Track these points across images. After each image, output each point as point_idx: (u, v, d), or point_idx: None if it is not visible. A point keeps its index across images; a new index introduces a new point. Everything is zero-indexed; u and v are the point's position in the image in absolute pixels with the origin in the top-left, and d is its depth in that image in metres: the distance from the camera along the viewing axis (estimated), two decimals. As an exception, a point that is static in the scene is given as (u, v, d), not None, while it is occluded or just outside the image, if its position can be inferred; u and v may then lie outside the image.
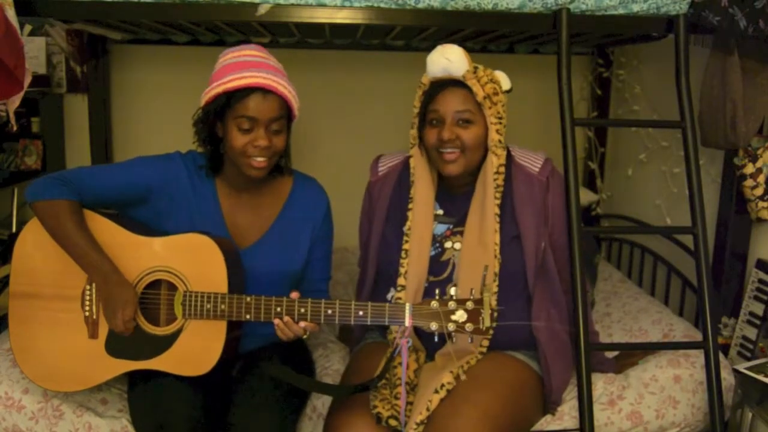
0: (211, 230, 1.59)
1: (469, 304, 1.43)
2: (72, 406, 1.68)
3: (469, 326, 1.42)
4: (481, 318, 1.42)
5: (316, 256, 1.74)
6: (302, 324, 1.48)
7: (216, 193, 1.68)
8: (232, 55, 1.59)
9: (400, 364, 1.57)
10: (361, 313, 1.47)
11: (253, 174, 1.59)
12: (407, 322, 1.45)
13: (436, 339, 1.45)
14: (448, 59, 1.62)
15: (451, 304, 1.43)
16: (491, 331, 1.62)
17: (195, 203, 1.65)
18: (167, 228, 1.62)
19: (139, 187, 1.62)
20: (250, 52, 1.59)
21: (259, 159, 1.57)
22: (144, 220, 1.65)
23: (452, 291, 1.44)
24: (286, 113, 1.59)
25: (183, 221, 1.63)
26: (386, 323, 1.48)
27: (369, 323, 1.48)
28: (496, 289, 1.63)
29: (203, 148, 1.65)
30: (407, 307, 1.45)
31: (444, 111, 1.64)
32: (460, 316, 1.42)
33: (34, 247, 1.62)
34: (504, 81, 1.70)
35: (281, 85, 1.56)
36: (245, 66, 1.55)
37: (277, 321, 1.50)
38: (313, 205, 1.74)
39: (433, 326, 1.43)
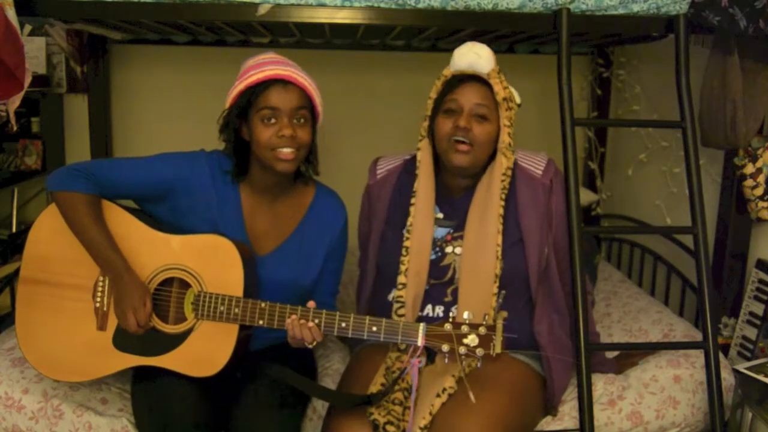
0: (230, 234, 1.58)
1: (482, 330, 1.43)
2: (72, 405, 1.68)
3: (479, 351, 1.43)
4: (492, 344, 1.42)
5: (328, 269, 1.74)
6: (311, 325, 1.48)
7: (239, 196, 1.68)
8: (252, 60, 1.63)
9: (401, 377, 1.57)
10: (374, 329, 1.47)
11: (281, 168, 1.58)
12: (420, 341, 1.45)
13: (446, 361, 1.46)
14: (478, 54, 1.63)
15: (464, 328, 1.43)
16: None
17: (216, 205, 1.65)
18: (185, 226, 1.61)
19: (160, 184, 1.61)
20: (269, 55, 1.63)
21: (286, 150, 1.56)
22: (162, 217, 1.64)
23: (465, 315, 1.45)
24: (308, 105, 1.61)
25: (202, 222, 1.63)
26: (399, 341, 1.48)
27: (382, 340, 1.48)
28: (495, 291, 1.63)
29: (230, 153, 1.65)
30: (421, 327, 1.46)
31: (464, 101, 1.64)
32: (472, 340, 1.43)
33: (50, 233, 1.62)
34: (516, 95, 1.72)
35: (300, 76, 1.59)
36: (264, 63, 1.59)
37: (289, 320, 1.49)
38: (332, 218, 1.74)
39: (445, 348, 1.44)
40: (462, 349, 1.43)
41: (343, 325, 1.48)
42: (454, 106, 1.65)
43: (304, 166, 1.68)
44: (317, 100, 1.63)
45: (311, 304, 1.51)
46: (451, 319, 1.45)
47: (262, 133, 1.56)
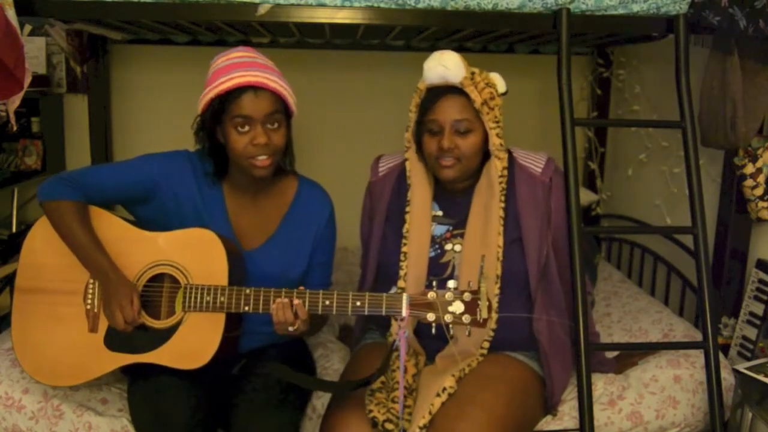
0: (217, 231, 1.59)
1: (467, 296, 1.42)
2: (72, 405, 1.68)
3: (466, 317, 1.42)
4: (478, 309, 1.41)
5: (316, 262, 1.74)
6: (296, 302, 1.48)
7: (222, 194, 1.69)
8: (220, 60, 1.60)
9: (398, 368, 1.57)
10: (358, 303, 1.47)
11: (258, 174, 1.59)
12: (404, 312, 1.44)
13: (433, 331, 1.45)
14: (445, 66, 1.60)
15: (449, 296, 1.43)
16: (491, 331, 1.62)
17: (201, 203, 1.66)
18: (173, 227, 1.62)
19: (144, 184, 1.62)
20: (237, 54, 1.60)
21: (262, 157, 1.57)
22: (151, 219, 1.65)
23: (450, 284, 1.44)
24: (281, 108, 1.59)
25: (189, 220, 1.63)
26: (383, 313, 1.47)
27: (366, 314, 1.47)
28: (497, 291, 1.64)
29: (207, 156, 1.66)
30: (404, 297, 1.45)
31: (443, 120, 1.63)
32: (458, 307, 1.42)
33: (43, 242, 1.63)
34: (500, 83, 1.69)
35: (271, 80, 1.56)
36: (234, 67, 1.55)
37: (273, 306, 1.49)
38: (316, 209, 1.74)
39: (430, 317, 1.43)
40: (448, 317, 1.42)
41: (327, 302, 1.48)
42: (434, 127, 1.64)
43: (282, 160, 1.67)
44: (290, 99, 1.61)
45: (300, 289, 1.51)
46: (434, 288, 1.44)
47: (237, 142, 1.56)
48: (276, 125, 1.58)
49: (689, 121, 1.84)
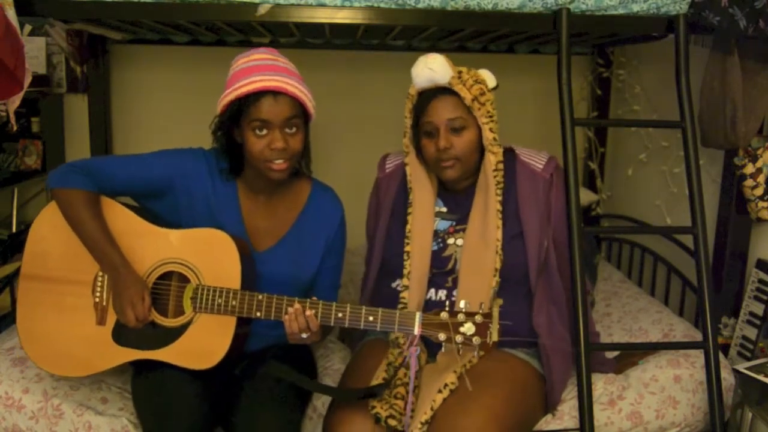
0: (230, 230, 1.59)
1: (478, 318, 1.43)
2: (72, 405, 1.68)
3: (476, 339, 1.43)
4: (489, 332, 1.43)
5: (327, 265, 1.75)
6: (308, 313, 1.48)
7: (236, 193, 1.69)
8: (242, 61, 1.59)
9: (402, 365, 1.58)
10: (371, 318, 1.48)
11: (275, 177, 1.59)
12: (416, 330, 1.46)
13: (443, 349, 1.46)
14: (431, 69, 1.63)
15: (460, 317, 1.44)
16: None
17: (215, 201, 1.65)
18: (184, 223, 1.62)
19: (158, 180, 1.62)
20: (259, 56, 1.59)
21: (279, 161, 1.57)
22: (162, 214, 1.65)
23: (462, 304, 1.45)
24: (299, 113, 1.58)
25: (201, 218, 1.63)
26: (395, 330, 1.49)
27: (378, 329, 1.49)
28: (494, 285, 1.65)
29: (224, 154, 1.65)
30: (417, 316, 1.46)
31: (437, 121, 1.65)
32: (469, 328, 1.43)
33: (51, 230, 1.62)
34: (489, 79, 1.71)
35: (291, 85, 1.55)
36: (255, 70, 1.55)
37: (286, 316, 1.50)
38: (329, 214, 1.74)
39: (441, 337, 1.45)
40: (459, 338, 1.43)
41: (340, 315, 1.49)
42: (430, 128, 1.67)
43: (297, 162, 1.67)
44: (309, 104, 1.60)
45: (313, 300, 1.51)
46: (447, 308, 1.45)
47: (255, 145, 1.55)
48: (294, 129, 1.57)
49: (689, 121, 1.84)
